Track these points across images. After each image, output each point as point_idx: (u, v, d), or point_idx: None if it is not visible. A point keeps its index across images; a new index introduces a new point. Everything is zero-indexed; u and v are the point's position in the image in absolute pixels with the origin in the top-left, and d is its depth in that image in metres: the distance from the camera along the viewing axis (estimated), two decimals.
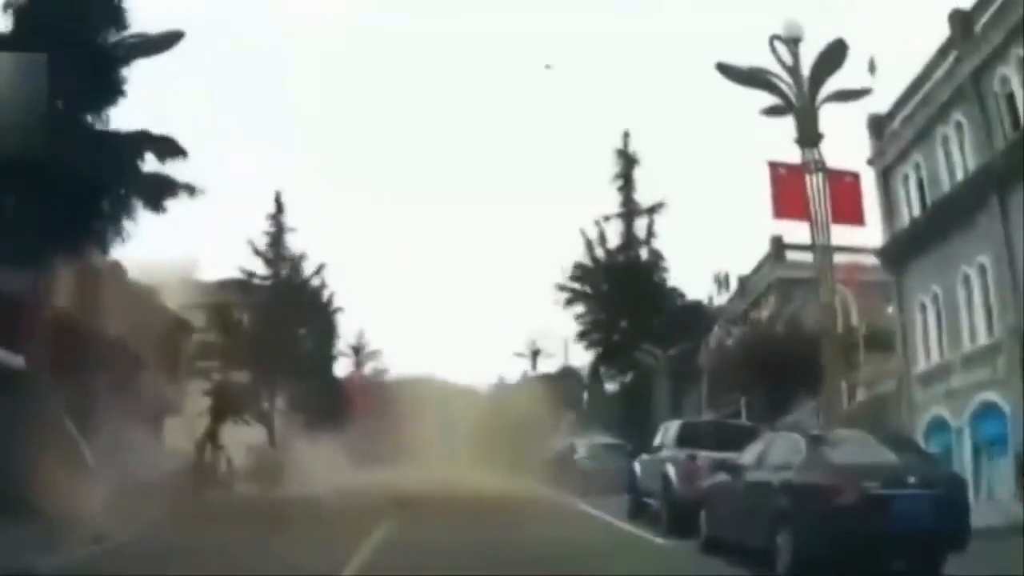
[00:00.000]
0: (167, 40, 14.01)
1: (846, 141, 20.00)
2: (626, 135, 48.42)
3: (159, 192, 13.84)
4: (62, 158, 11.84)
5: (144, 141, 13.99)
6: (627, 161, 48.24)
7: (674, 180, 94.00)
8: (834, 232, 16.63)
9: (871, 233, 21.43)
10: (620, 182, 48.02)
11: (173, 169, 14.01)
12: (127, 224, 13.82)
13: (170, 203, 14.11)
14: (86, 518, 13.26)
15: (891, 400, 21.95)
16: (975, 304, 18.39)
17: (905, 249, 21.53)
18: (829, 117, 16.83)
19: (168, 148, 13.95)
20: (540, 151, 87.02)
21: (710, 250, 76.78)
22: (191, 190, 14.04)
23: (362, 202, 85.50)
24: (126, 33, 14.12)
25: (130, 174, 13.80)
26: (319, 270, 40.06)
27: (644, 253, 47.77)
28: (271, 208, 39.42)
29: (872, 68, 16.61)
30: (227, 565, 9.97)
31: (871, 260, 24.72)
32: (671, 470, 14.78)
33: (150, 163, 14.13)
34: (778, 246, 33.06)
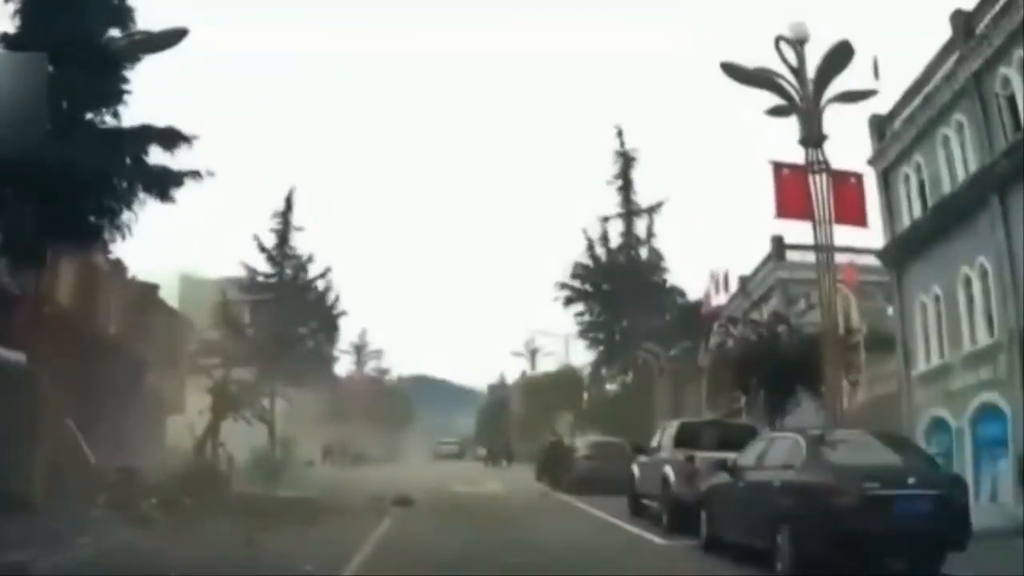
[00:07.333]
0: (172, 37, 13.98)
1: (847, 141, 19.98)
2: (620, 132, 48.38)
3: (165, 182, 13.80)
4: (64, 156, 11.86)
5: (148, 134, 13.96)
6: (625, 160, 48.24)
7: (677, 181, 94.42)
8: (835, 232, 16.69)
9: (871, 233, 21.46)
10: (619, 182, 48.05)
11: (181, 159, 13.98)
12: (128, 218, 13.77)
13: (179, 193, 14.04)
14: (86, 515, 13.29)
15: (892, 401, 21.94)
16: (975, 305, 18.36)
17: (906, 249, 21.52)
18: (829, 117, 16.89)
19: (173, 138, 13.91)
20: (541, 153, 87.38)
21: (712, 250, 76.84)
22: (197, 175, 13.99)
23: (365, 202, 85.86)
24: (130, 31, 14.11)
25: (135, 168, 13.78)
26: (325, 273, 39.99)
27: (644, 252, 47.80)
28: (276, 207, 39.33)
29: (876, 71, 16.57)
30: (227, 563, 9.98)
31: (871, 260, 24.71)
32: (669, 471, 14.79)
33: (159, 157, 14.09)
34: (779, 246, 33.03)
